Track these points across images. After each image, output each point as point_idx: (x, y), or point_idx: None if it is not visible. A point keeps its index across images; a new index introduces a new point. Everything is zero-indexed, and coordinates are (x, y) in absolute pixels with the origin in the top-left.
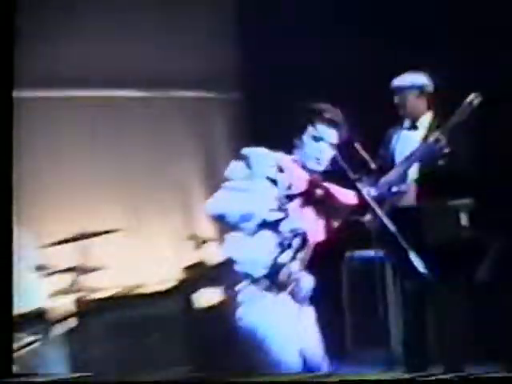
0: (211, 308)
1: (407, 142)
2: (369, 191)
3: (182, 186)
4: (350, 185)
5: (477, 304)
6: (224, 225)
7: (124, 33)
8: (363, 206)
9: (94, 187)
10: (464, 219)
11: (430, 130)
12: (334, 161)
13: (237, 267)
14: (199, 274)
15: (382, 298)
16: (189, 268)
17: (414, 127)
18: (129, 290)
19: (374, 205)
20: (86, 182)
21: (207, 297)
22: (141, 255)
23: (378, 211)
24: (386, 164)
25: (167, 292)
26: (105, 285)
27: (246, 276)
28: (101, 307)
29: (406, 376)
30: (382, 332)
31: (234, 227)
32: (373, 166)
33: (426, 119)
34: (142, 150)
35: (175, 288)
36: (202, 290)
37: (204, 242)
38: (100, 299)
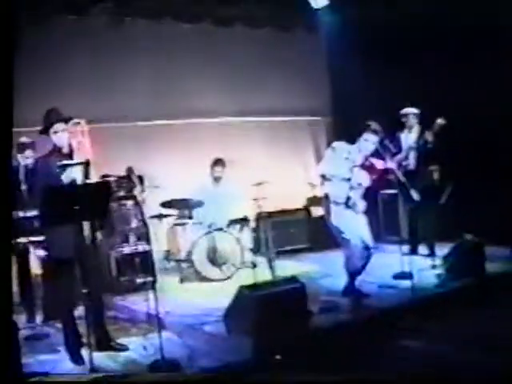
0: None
1: (408, 139)
2: (391, 163)
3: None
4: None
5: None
6: (324, 179)
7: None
8: (389, 170)
9: None
10: (436, 175)
11: (420, 133)
12: (375, 149)
13: (331, 198)
14: (314, 201)
15: (397, 212)
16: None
17: (410, 132)
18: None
19: (395, 170)
20: None
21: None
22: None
23: (397, 173)
24: (399, 150)
25: (300, 209)
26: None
27: (335, 203)
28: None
29: None
30: (397, 227)
31: (329, 180)
32: (393, 150)
33: (416, 128)
34: None
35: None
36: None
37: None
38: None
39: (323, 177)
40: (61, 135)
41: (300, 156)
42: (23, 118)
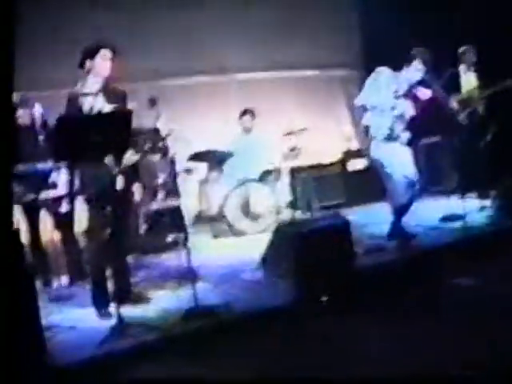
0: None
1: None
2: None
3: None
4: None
5: None
6: (364, 110)
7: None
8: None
9: None
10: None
11: None
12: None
13: (372, 131)
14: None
15: (439, 161)
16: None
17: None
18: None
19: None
20: None
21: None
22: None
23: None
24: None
25: (335, 163)
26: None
27: (376, 135)
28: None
29: None
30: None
31: (370, 110)
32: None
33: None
34: None
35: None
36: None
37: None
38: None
39: (363, 107)
40: (107, 62)
41: (332, 110)
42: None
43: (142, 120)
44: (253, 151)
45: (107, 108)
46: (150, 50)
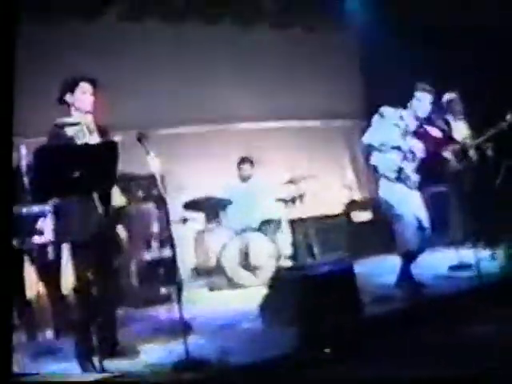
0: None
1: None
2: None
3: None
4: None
5: None
6: (371, 150)
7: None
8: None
9: None
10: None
11: None
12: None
13: (380, 171)
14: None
15: (447, 210)
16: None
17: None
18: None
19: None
20: None
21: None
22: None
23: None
24: None
25: (340, 214)
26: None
27: (384, 176)
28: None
29: None
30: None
31: (378, 150)
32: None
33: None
34: None
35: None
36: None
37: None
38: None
39: (370, 146)
40: (87, 96)
41: (335, 159)
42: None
43: (134, 167)
44: (251, 200)
45: (91, 141)
46: (148, 98)
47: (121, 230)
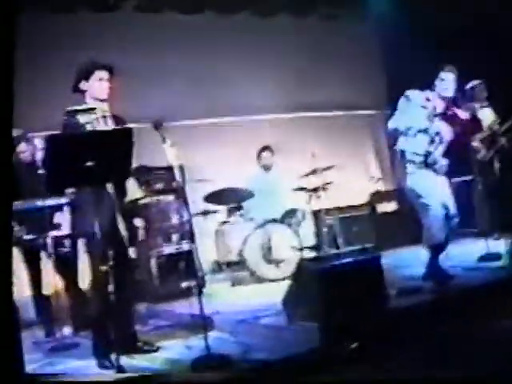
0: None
1: None
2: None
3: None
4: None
5: None
6: (397, 135)
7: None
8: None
9: None
10: None
11: None
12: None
13: (407, 156)
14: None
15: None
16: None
17: None
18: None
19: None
20: None
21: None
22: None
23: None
24: None
25: (364, 205)
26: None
27: (411, 161)
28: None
29: None
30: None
31: (404, 134)
32: None
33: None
34: None
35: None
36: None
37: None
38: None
39: (396, 131)
40: (104, 84)
41: (358, 150)
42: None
43: (154, 159)
44: (274, 190)
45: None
46: (167, 89)
47: (138, 223)
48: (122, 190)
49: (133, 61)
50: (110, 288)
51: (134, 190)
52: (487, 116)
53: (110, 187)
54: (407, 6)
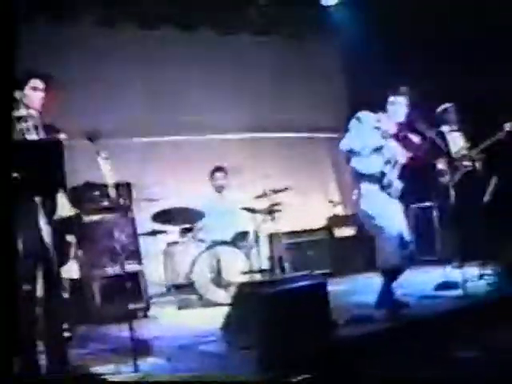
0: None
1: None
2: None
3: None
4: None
5: None
6: (351, 155)
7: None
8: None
9: None
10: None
11: None
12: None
13: (361, 180)
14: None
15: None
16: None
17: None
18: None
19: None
20: None
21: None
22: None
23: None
24: None
25: (321, 229)
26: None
27: (366, 181)
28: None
29: None
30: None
31: (358, 154)
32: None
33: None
34: None
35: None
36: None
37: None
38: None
39: (351, 152)
40: (38, 94)
41: (317, 172)
42: None
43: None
44: (226, 212)
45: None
46: (122, 106)
47: (70, 240)
48: (51, 204)
49: (85, 74)
50: (38, 310)
51: (64, 205)
52: (456, 141)
53: (37, 200)
54: (370, 27)
